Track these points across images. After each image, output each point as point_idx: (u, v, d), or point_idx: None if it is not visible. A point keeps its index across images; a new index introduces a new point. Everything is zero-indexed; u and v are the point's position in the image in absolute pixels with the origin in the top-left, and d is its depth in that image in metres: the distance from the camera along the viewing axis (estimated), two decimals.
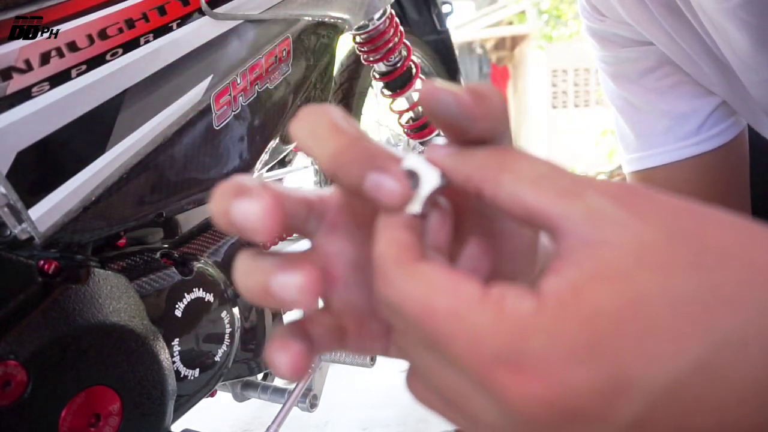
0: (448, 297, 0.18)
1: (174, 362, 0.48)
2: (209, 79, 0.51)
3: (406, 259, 0.19)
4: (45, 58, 0.38)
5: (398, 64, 1.04)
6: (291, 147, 0.71)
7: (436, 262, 0.19)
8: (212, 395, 0.57)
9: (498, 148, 0.21)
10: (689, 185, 0.58)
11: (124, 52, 0.43)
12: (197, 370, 0.50)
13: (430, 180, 0.21)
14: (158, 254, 0.50)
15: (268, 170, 1.21)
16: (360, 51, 1.01)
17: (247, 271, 0.21)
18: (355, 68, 1.12)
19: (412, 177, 0.21)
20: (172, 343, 0.48)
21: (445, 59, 1.41)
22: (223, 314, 0.53)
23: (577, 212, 0.18)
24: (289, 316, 0.69)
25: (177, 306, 0.49)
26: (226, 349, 0.53)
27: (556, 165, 0.19)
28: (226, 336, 0.53)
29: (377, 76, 1.07)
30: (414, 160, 0.21)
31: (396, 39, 1.00)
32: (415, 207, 0.21)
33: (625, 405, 0.16)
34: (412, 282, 0.19)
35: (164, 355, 0.45)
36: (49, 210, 0.40)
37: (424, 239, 0.22)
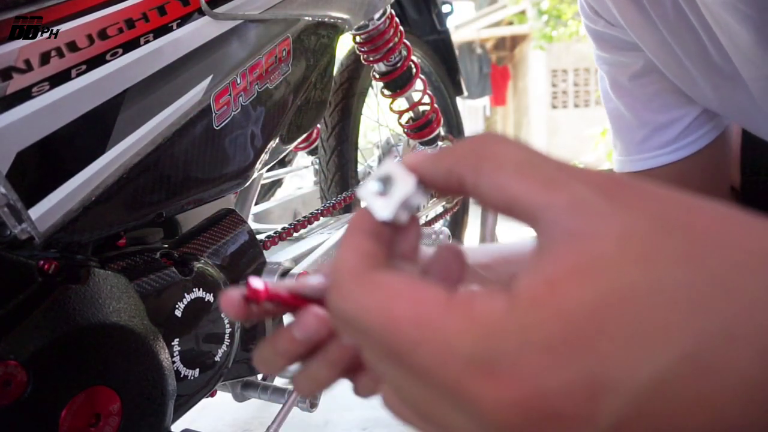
0: (409, 304, 0.17)
1: (174, 362, 0.48)
2: (209, 79, 0.51)
3: (363, 269, 0.18)
4: (45, 58, 0.38)
5: (398, 64, 1.04)
6: (291, 147, 0.71)
7: (400, 271, 0.18)
8: (212, 395, 0.57)
9: (479, 135, 0.19)
10: None
11: (124, 52, 0.43)
12: (197, 370, 0.50)
13: (403, 186, 0.20)
14: (158, 254, 0.50)
15: (268, 170, 1.21)
16: (360, 51, 1.01)
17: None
18: (355, 68, 1.12)
19: (386, 182, 0.20)
20: (172, 343, 0.48)
21: (445, 59, 1.41)
22: (223, 314, 0.53)
23: (560, 202, 0.17)
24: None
25: (177, 306, 0.49)
26: (226, 349, 0.53)
27: (540, 151, 0.18)
28: (226, 336, 0.53)
29: (377, 76, 1.07)
30: (389, 166, 0.20)
31: (396, 39, 1.00)
32: (385, 213, 0.20)
33: (606, 407, 0.15)
34: (369, 292, 0.17)
35: (164, 355, 0.45)
36: (49, 210, 0.40)
37: (394, 248, 0.20)
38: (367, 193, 0.20)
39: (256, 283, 0.23)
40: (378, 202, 0.20)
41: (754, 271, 0.15)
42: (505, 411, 0.15)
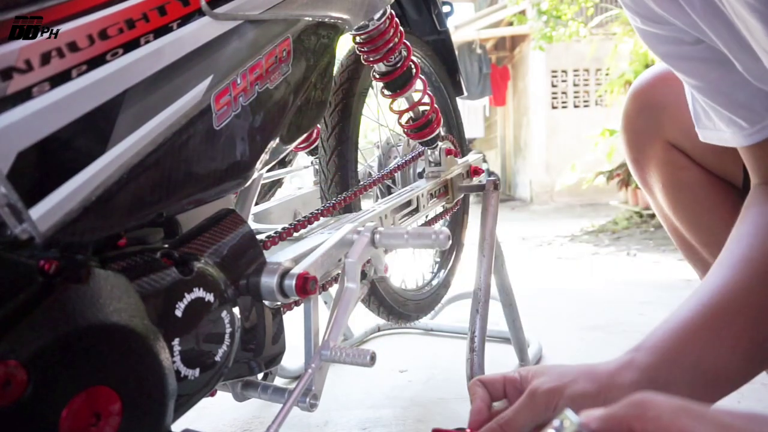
0: None
1: (174, 362, 0.48)
2: (209, 79, 0.52)
3: None
4: (45, 58, 0.38)
5: (398, 64, 1.04)
6: (291, 147, 0.71)
7: None
8: (212, 395, 0.57)
9: (636, 397, 0.27)
10: None
11: (125, 52, 0.43)
12: (197, 370, 0.50)
13: (571, 425, 0.28)
14: (158, 254, 0.50)
15: (268, 170, 1.21)
16: (360, 51, 1.01)
17: None
18: (355, 68, 1.12)
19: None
20: (173, 343, 0.48)
21: (445, 59, 1.41)
22: (224, 314, 0.53)
23: (712, 429, 0.24)
24: (288, 316, 0.69)
25: (177, 306, 0.49)
26: (226, 349, 0.53)
27: (683, 400, 0.26)
28: (227, 336, 0.53)
29: (377, 76, 1.07)
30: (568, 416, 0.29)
31: (396, 39, 1.00)
32: None
33: None
34: None
35: (164, 355, 0.45)
36: (49, 210, 0.40)
37: None
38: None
39: None
40: None
41: None
42: None
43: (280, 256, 0.64)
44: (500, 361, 1.39)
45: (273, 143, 0.64)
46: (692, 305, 0.53)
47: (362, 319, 1.69)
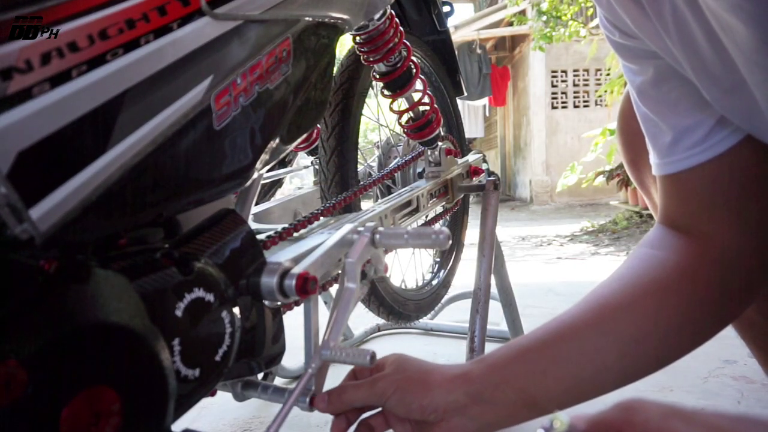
0: None
1: (174, 362, 0.48)
2: (209, 79, 0.51)
3: None
4: (45, 58, 0.38)
5: (398, 65, 1.04)
6: (291, 147, 0.71)
7: None
8: (212, 395, 0.57)
9: (625, 401, 0.28)
10: (705, 189, 0.61)
11: (125, 53, 0.43)
12: (197, 369, 0.50)
13: (561, 424, 0.28)
14: (158, 254, 0.50)
15: (269, 170, 1.21)
16: (360, 51, 1.01)
17: None
18: (355, 68, 1.12)
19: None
20: (173, 343, 0.48)
21: (445, 59, 1.41)
22: (224, 314, 0.53)
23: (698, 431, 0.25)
24: (289, 316, 0.69)
25: (177, 306, 0.49)
26: (226, 348, 0.53)
27: (675, 404, 0.27)
28: (227, 336, 0.53)
29: (377, 76, 1.07)
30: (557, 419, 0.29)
31: (396, 39, 1.00)
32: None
33: None
34: None
35: (164, 354, 0.45)
36: (49, 210, 0.40)
37: None
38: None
39: None
40: None
41: None
42: None
43: (280, 256, 0.64)
44: None
45: (273, 143, 0.64)
46: (537, 334, 0.58)
47: (362, 319, 1.69)
